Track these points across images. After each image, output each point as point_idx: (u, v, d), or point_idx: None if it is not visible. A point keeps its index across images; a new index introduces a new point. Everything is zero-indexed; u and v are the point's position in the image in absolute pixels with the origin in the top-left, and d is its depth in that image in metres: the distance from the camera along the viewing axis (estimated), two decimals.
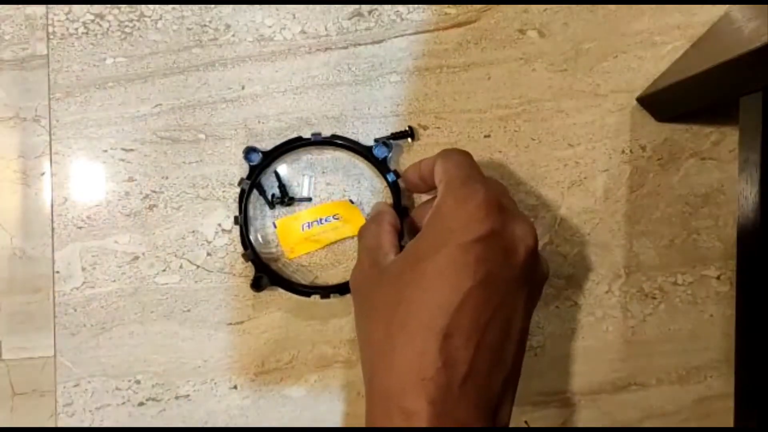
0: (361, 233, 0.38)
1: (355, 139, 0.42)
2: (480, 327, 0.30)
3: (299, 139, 0.42)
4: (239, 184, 0.41)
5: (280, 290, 0.42)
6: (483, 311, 0.30)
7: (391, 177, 0.41)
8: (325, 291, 0.41)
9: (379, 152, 0.41)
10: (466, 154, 0.36)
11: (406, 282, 0.32)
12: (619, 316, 0.44)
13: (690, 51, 0.43)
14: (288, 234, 0.42)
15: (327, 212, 0.42)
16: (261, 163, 0.41)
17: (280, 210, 0.42)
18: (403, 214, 0.41)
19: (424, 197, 0.42)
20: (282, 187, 0.42)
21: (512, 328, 0.32)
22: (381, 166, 0.41)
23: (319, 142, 0.42)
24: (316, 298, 0.41)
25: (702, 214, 0.44)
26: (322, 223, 0.42)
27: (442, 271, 0.31)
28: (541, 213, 0.44)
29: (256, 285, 0.41)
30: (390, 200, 0.42)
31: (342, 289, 0.41)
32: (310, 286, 0.42)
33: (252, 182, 0.41)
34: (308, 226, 0.42)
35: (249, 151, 0.41)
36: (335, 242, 0.43)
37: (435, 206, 0.33)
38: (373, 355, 0.33)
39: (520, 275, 0.32)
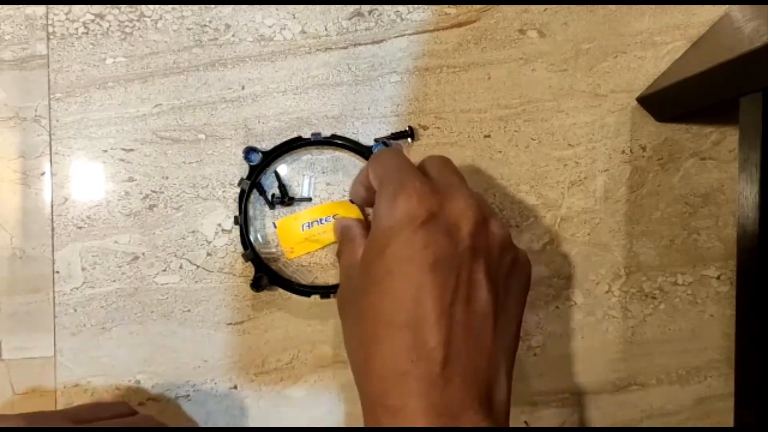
0: (338, 254, 0.38)
1: (355, 139, 0.42)
2: (444, 309, 0.30)
3: (299, 139, 0.42)
4: (239, 184, 0.41)
5: (280, 290, 0.42)
6: (442, 294, 0.30)
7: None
8: (325, 291, 0.41)
9: None
10: (394, 151, 0.36)
11: (365, 290, 0.32)
12: (619, 316, 0.44)
13: (690, 51, 0.43)
14: (288, 234, 0.42)
15: (327, 212, 0.42)
16: (261, 163, 0.41)
17: (280, 210, 0.42)
18: None
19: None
20: (282, 187, 0.42)
21: (478, 302, 0.31)
22: None
23: (319, 142, 0.42)
24: (316, 298, 0.41)
25: (702, 214, 0.44)
26: (322, 223, 0.42)
27: (391, 269, 0.31)
28: (541, 213, 0.44)
29: (256, 285, 0.41)
30: None
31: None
32: (310, 286, 0.42)
33: (252, 182, 0.41)
34: (308, 226, 0.42)
35: (249, 151, 0.41)
36: (332, 243, 0.43)
37: (374, 209, 0.34)
38: (355, 366, 0.33)
39: (470, 248, 0.32)
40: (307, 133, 0.42)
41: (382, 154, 0.36)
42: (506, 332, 0.33)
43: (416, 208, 0.31)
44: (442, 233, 0.31)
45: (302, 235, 0.42)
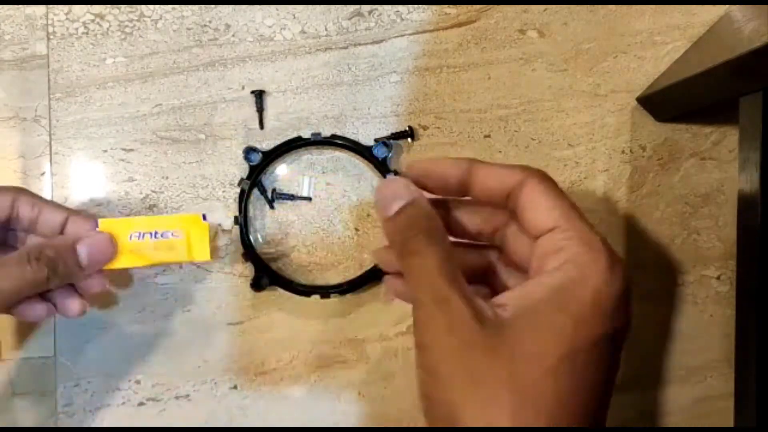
0: (417, 254, 0.26)
1: (355, 139, 0.42)
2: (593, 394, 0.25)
3: (299, 138, 0.42)
4: (239, 184, 0.41)
5: (280, 290, 0.42)
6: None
7: (391, 177, 0.41)
8: (325, 291, 0.41)
9: (379, 152, 0.41)
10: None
11: (566, 368, 0.24)
12: None
13: (690, 51, 0.43)
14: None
15: (166, 225, 0.36)
16: (261, 163, 0.41)
17: (279, 209, 0.42)
18: None
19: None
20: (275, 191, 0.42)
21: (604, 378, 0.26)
22: (381, 166, 0.41)
23: (319, 142, 0.41)
24: (316, 298, 0.41)
25: (702, 214, 0.44)
26: (155, 238, 0.36)
27: (599, 359, 0.25)
28: None
29: (256, 285, 0.41)
30: None
31: (342, 288, 0.41)
32: (310, 286, 0.42)
33: (252, 182, 0.41)
34: (138, 236, 0.36)
35: (249, 151, 0.41)
36: (163, 264, 0.39)
37: (573, 271, 0.25)
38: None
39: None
40: (307, 133, 0.42)
41: (554, 184, 0.28)
42: None
43: (625, 311, 0.27)
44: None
45: (128, 245, 0.36)
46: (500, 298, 0.25)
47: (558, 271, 0.25)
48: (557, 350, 0.24)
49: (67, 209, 0.36)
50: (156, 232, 0.36)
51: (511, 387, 0.23)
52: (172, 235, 0.36)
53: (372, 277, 0.42)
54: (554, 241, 0.26)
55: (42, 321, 0.41)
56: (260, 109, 0.42)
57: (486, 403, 0.23)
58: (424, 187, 0.29)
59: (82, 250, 0.34)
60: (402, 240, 0.26)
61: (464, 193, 0.29)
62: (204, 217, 0.37)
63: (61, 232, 0.35)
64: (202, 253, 0.37)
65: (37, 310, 0.35)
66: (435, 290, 0.25)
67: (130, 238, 0.36)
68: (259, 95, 0.41)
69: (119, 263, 0.36)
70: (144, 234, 0.36)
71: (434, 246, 0.26)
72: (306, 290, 0.41)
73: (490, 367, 0.24)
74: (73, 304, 0.36)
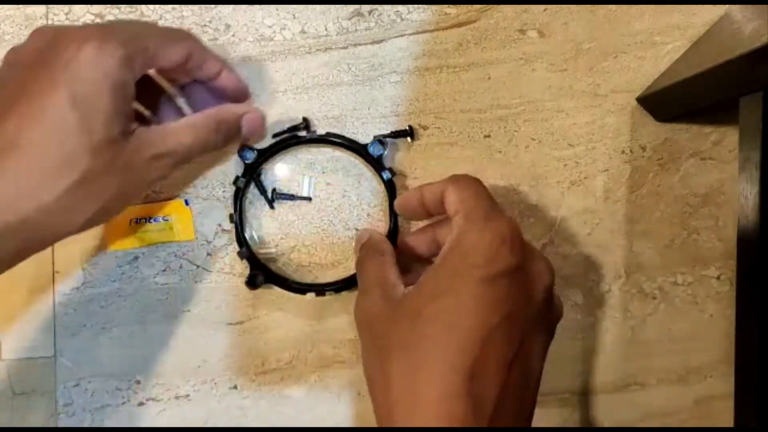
0: (363, 265, 0.37)
1: (354, 138, 0.42)
2: (505, 366, 0.29)
3: (294, 137, 0.41)
4: (235, 182, 0.41)
5: (278, 289, 0.42)
6: (507, 349, 0.30)
7: (386, 175, 0.41)
8: (320, 288, 0.41)
9: (374, 150, 0.41)
10: (481, 183, 0.34)
11: (427, 318, 0.30)
12: (619, 316, 0.44)
13: (690, 51, 0.43)
14: (114, 225, 0.41)
15: (158, 212, 0.41)
16: (256, 161, 0.41)
17: (279, 209, 0.42)
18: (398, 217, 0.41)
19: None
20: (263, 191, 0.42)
21: (532, 369, 0.31)
22: (376, 164, 0.41)
23: (314, 140, 0.41)
24: (311, 295, 0.41)
25: (702, 214, 0.44)
26: (150, 222, 0.41)
27: (466, 306, 0.30)
28: (541, 213, 0.44)
29: (252, 283, 0.41)
30: (386, 200, 0.41)
31: (337, 286, 0.41)
32: (305, 284, 0.42)
33: (247, 180, 0.41)
34: (136, 221, 0.41)
35: (243, 149, 0.41)
36: (158, 244, 0.42)
37: (455, 238, 0.32)
38: (390, 397, 0.31)
39: (539, 313, 0.32)
40: (302, 132, 0.42)
41: (471, 181, 0.34)
42: (534, 407, 0.32)
43: (507, 254, 0.30)
44: (521, 289, 0.31)
45: (128, 228, 0.41)
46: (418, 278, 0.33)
47: (448, 243, 0.32)
48: (428, 302, 0.31)
49: (222, 61, 0.38)
50: (150, 217, 0.41)
51: (407, 343, 0.31)
52: (162, 219, 0.41)
53: None
54: (453, 224, 0.33)
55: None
56: (263, 191, 0.42)
57: (381, 354, 0.32)
58: (407, 218, 0.41)
59: (245, 125, 0.39)
60: (359, 259, 0.38)
61: (428, 212, 0.37)
62: (186, 203, 0.42)
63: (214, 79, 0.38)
64: (187, 234, 0.42)
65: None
66: (362, 284, 0.36)
67: (130, 223, 0.41)
68: (257, 178, 0.42)
69: (124, 244, 0.42)
70: (141, 219, 0.41)
71: (371, 260, 0.37)
72: (301, 288, 0.41)
73: (390, 329, 0.32)
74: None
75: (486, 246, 0.30)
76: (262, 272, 0.41)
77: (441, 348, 0.29)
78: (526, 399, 0.31)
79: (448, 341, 0.29)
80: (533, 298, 0.31)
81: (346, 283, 0.42)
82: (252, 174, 0.41)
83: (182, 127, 0.35)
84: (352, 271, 0.42)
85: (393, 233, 0.41)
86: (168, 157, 0.34)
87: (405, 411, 0.30)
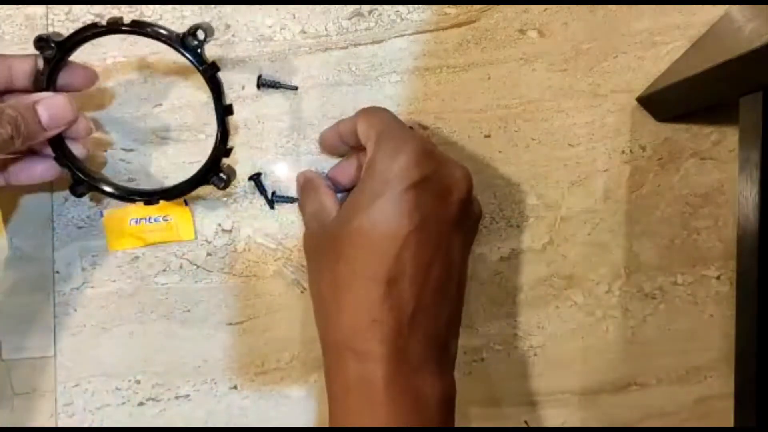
0: (303, 202, 0.40)
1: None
2: (422, 268, 0.33)
3: (94, 25, 0.36)
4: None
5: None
6: (423, 253, 0.33)
7: (207, 71, 0.36)
8: (150, 196, 0.38)
9: (191, 42, 0.35)
10: (388, 111, 0.38)
11: (346, 237, 0.34)
12: (619, 316, 0.44)
13: (690, 51, 0.43)
14: (115, 226, 0.42)
15: (157, 211, 0.41)
16: (56, 56, 0.35)
17: (280, 209, 0.42)
18: (226, 112, 0.37)
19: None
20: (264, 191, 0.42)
21: (452, 267, 0.34)
22: (195, 56, 0.36)
23: (116, 30, 0.36)
24: (140, 204, 0.39)
25: (702, 214, 0.44)
26: (150, 222, 0.41)
27: (379, 221, 0.32)
28: (541, 213, 0.44)
29: (73, 192, 0.38)
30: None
31: (167, 194, 0.39)
32: (132, 191, 0.39)
33: (48, 76, 0.36)
34: (136, 222, 0.41)
35: (40, 41, 0.35)
36: (158, 244, 0.42)
37: (368, 161, 0.35)
38: (323, 311, 0.35)
39: (455, 216, 0.34)
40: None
41: (378, 110, 0.38)
42: (461, 298, 0.36)
43: (414, 167, 0.33)
44: (433, 196, 0.33)
45: (128, 229, 0.42)
46: None
47: (363, 167, 0.35)
48: (344, 215, 0.35)
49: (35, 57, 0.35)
50: (150, 218, 0.41)
51: (332, 262, 0.34)
52: (162, 219, 0.41)
53: None
54: (367, 148, 0.35)
55: (47, 180, 0.38)
56: (263, 192, 0.42)
57: (315, 268, 0.37)
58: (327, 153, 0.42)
59: (43, 111, 0.34)
60: (300, 201, 0.41)
61: (347, 144, 0.39)
62: (186, 203, 0.41)
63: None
64: (188, 233, 0.42)
65: (35, 169, 0.37)
66: (305, 220, 0.40)
67: (130, 223, 0.41)
68: (257, 178, 0.42)
69: (124, 244, 0.42)
70: (140, 219, 0.41)
71: (308, 196, 0.40)
72: (127, 195, 0.38)
73: (321, 251, 0.36)
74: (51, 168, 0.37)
75: (394, 163, 0.33)
76: (85, 180, 0.38)
77: (359, 263, 0.33)
78: (449, 289, 0.34)
79: (366, 256, 0.33)
80: (447, 203, 0.34)
81: (179, 191, 0.38)
82: (53, 69, 0.36)
83: None
84: None
85: (223, 136, 0.37)
86: None
87: (333, 322, 0.34)
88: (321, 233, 0.37)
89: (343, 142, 0.39)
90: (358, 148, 0.39)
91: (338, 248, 0.34)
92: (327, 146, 0.41)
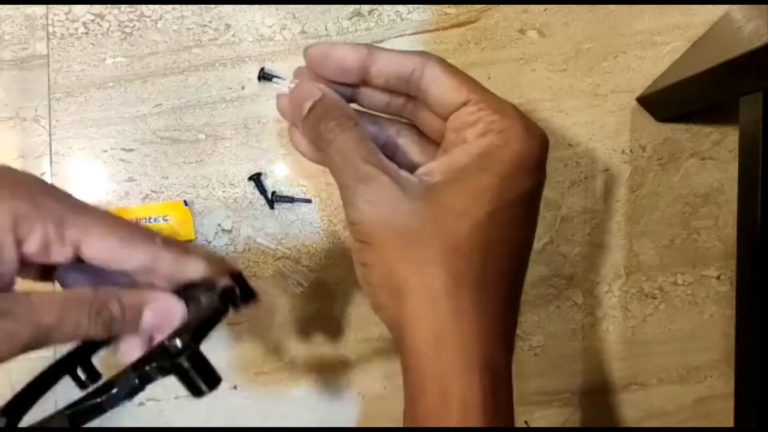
0: (336, 142, 0.27)
1: None
2: (525, 267, 0.29)
3: None
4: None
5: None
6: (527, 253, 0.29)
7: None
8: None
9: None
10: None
11: (493, 223, 0.26)
12: (619, 316, 0.44)
13: (690, 51, 0.43)
14: None
15: (158, 212, 0.42)
16: None
17: (280, 209, 0.42)
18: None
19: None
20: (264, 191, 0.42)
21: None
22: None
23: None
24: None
25: (702, 214, 0.44)
26: (150, 222, 0.42)
27: (522, 216, 0.27)
28: (541, 213, 0.44)
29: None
30: None
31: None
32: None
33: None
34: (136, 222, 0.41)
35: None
36: None
37: (493, 137, 0.27)
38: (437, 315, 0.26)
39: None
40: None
41: (456, 68, 0.30)
42: None
43: (541, 167, 0.28)
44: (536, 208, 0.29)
45: None
46: (425, 168, 0.28)
47: (481, 138, 0.27)
48: (484, 207, 0.26)
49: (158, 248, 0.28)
50: (150, 218, 0.42)
51: (442, 243, 0.26)
52: (162, 219, 0.42)
53: None
54: (469, 114, 0.28)
55: None
56: (263, 192, 0.42)
57: (419, 260, 0.26)
58: (323, 74, 0.28)
59: (149, 316, 0.28)
60: (318, 135, 0.27)
61: (363, 80, 0.29)
62: (185, 203, 0.42)
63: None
64: (188, 233, 0.42)
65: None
66: (356, 170, 0.26)
67: None
68: (257, 178, 0.42)
69: None
70: (140, 220, 0.41)
71: (347, 131, 0.27)
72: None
73: (419, 228, 0.26)
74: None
75: (534, 156, 0.27)
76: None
77: (500, 257, 0.27)
78: (521, 266, 0.29)
79: (509, 250, 0.27)
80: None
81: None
82: None
83: (47, 300, 0.25)
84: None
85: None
86: (12, 335, 0.25)
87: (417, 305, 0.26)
88: (409, 201, 0.26)
89: (359, 77, 0.28)
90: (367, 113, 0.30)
91: (480, 231, 0.26)
92: (324, 67, 0.28)
